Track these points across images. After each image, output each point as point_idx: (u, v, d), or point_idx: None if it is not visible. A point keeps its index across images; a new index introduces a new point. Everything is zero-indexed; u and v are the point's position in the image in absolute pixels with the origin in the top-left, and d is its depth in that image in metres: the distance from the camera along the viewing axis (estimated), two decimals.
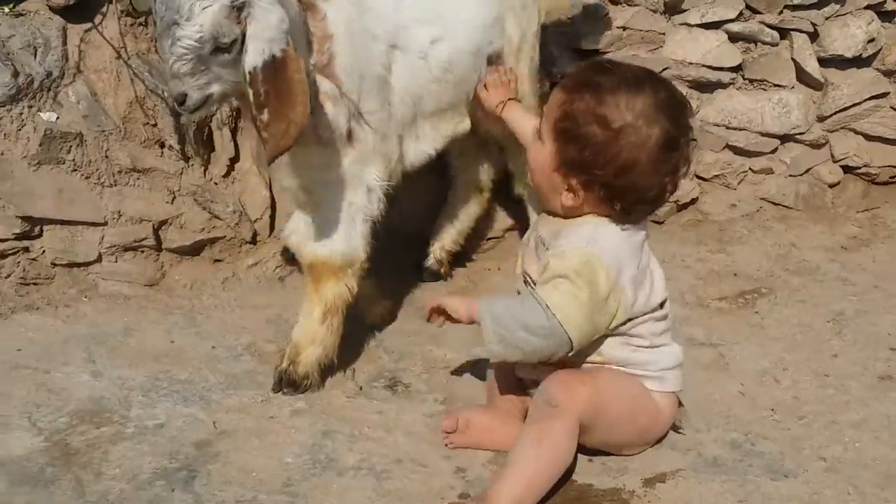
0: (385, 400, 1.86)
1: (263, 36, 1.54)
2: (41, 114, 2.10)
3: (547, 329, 1.50)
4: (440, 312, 1.65)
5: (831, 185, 2.85)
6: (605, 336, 1.58)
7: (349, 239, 1.83)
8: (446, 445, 1.69)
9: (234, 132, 2.36)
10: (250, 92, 1.57)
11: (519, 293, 1.67)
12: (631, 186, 1.52)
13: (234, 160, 2.36)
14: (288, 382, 1.83)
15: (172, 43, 1.52)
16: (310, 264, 1.85)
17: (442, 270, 2.39)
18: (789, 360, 2.03)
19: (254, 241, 2.34)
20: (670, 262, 2.49)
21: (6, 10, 2.13)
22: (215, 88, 1.60)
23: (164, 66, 1.61)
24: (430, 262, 2.39)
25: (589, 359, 1.61)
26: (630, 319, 1.58)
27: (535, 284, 1.59)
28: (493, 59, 2.04)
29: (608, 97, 1.50)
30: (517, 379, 1.72)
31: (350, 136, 1.79)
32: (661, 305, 1.63)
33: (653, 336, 1.62)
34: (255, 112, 1.58)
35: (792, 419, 1.82)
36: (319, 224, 1.84)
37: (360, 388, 1.90)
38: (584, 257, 1.51)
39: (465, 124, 2.09)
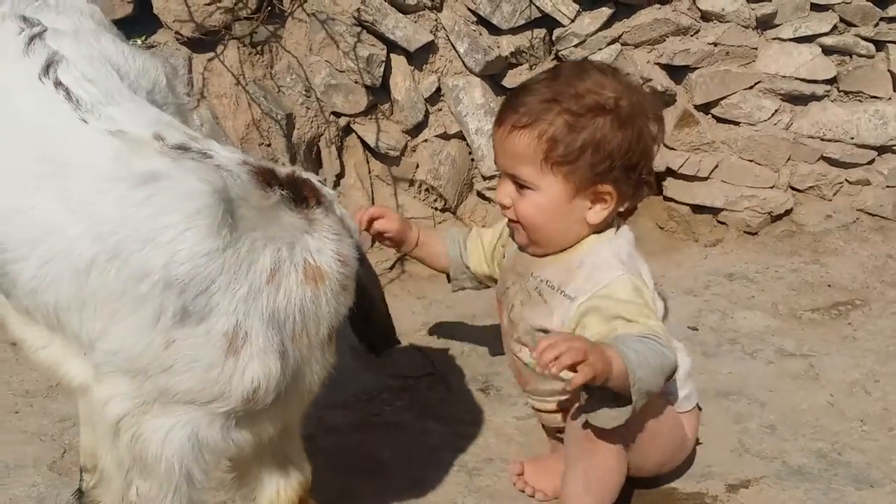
0: (477, 402, 1.94)
1: None
2: None
3: (674, 364, 1.40)
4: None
5: None
6: None
7: None
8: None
9: (339, 150, 2.52)
10: None
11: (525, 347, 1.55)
12: (646, 152, 1.45)
13: (340, 176, 2.52)
14: None
15: None
16: None
17: None
18: (881, 371, 2.02)
19: None
20: (763, 273, 2.50)
21: (139, 41, 2.36)
22: None
23: None
24: None
25: None
26: None
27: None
28: None
29: (583, 92, 1.41)
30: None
31: None
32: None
33: None
34: None
35: (881, 430, 1.81)
36: None
37: (450, 390, 1.97)
38: (628, 284, 1.42)
39: None
